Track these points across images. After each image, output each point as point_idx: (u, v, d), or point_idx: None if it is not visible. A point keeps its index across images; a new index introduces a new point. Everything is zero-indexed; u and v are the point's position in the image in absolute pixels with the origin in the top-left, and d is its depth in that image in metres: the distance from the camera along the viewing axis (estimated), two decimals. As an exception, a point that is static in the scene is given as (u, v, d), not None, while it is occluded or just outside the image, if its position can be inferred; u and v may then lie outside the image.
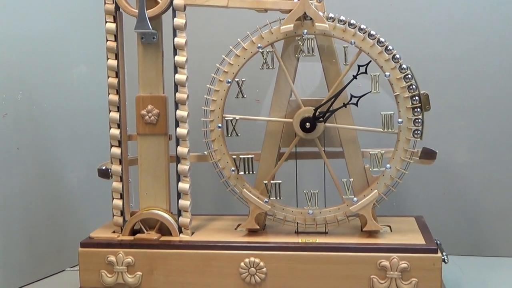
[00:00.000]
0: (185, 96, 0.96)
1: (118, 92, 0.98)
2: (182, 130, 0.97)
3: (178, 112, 0.96)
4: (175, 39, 0.95)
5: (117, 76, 0.98)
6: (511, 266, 1.16)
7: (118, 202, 1.00)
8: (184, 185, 0.98)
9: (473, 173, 1.21)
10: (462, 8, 1.20)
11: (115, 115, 0.98)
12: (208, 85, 0.97)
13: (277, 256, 0.94)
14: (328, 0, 0.95)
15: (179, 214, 0.99)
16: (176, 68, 0.96)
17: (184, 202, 0.98)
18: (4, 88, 1.07)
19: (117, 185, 0.99)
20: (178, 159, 0.98)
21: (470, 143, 1.21)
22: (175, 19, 0.95)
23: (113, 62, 0.97)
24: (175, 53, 0.96)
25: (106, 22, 0.97)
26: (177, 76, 0.96)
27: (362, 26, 0.93)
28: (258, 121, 1.02)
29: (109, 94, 0.98)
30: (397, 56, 0.93)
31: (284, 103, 0.98)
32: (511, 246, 1.21)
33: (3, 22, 1.07)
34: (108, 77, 0.98)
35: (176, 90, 0.96)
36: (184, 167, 0.97)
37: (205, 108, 0.98)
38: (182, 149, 0.97)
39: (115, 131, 0.99)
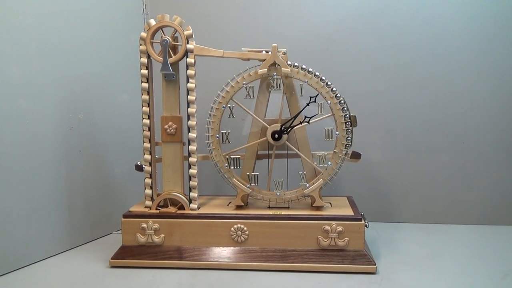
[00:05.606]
0: (194, 110, 0.97)
1: (149, 117, 0.97)
2: (192, 135, 0.97)
3: (189, 122, 0.97)
4: (188, 71, 0.96)
5: (148, 106, 0.97)
6: (409, 228, 1.17)
7: (148, 191, 1.00)
8: (193, 171, 0.99)
9: (383, 167, 1.22)
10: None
11: (147, 133, 0.98)
12: (209, 112, 0.98)
13: (255, 223, 0.94)
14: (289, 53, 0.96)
15: (190, 190, 0.99)
16: (188, 91, 0.96)
17: (193, 183, 0.99)
18: (71, 110, 1.07)
19: (148, 180, 1.00)
20: (189, 154, 0.98)
21: (382, 148, 1.22)
22: (187, 59, 0.95)
23: (145, 97, 0.98)
24: (187, 81, 0.96)
25: (141, 69, 0.96)
26: (189, 97, 0.97)
27: (310, 69, 0.94)
28: (249, 115, 0.98)
29: (143, 118, 0.97)
30: (334, 89, 0.95)
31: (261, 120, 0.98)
32: (409, 215, 1.22)
33: (71, 65, 1.07)
34: (142, 106, 0.98)
35: (188, 107, 0.96)
36: (193, 159, 0.98)
37: (207, 127, 0.99)
38: (192, 147, 0.98)
39: (147, 144, 0.99)
